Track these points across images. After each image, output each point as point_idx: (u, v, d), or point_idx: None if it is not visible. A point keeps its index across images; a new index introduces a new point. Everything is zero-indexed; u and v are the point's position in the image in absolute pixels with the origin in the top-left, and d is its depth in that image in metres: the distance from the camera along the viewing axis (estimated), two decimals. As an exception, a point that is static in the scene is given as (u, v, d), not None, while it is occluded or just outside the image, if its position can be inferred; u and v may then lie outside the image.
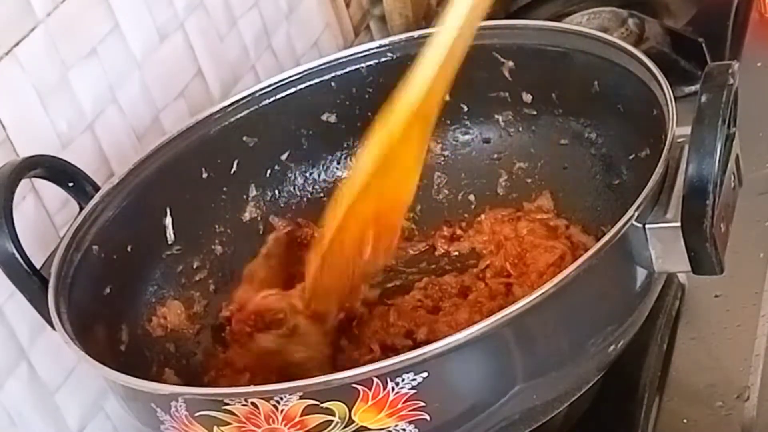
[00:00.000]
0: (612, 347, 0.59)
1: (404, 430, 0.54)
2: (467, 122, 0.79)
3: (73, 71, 0.76)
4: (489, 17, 0.71)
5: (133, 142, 0.82)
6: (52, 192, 0.73)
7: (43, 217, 0.73)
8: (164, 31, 0.85)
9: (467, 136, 0.80)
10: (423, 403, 0.53)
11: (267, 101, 0.78)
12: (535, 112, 0.76)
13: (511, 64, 0.75)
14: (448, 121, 0.79)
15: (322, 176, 0.80)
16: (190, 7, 0.87)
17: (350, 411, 0.53)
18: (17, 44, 0.72)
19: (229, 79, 0.92)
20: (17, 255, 0.65)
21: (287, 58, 0.99)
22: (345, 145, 0.80)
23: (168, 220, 0.74)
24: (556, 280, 0.54)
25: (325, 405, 0.53)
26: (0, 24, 0.71)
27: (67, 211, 0.73)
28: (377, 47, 0.78)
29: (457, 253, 0.77)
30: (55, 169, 0.70)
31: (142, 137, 0.82)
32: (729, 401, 0.66)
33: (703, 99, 0.58)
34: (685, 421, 0.67)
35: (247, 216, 0.78)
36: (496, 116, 0.78)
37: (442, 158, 0.80)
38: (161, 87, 0.84)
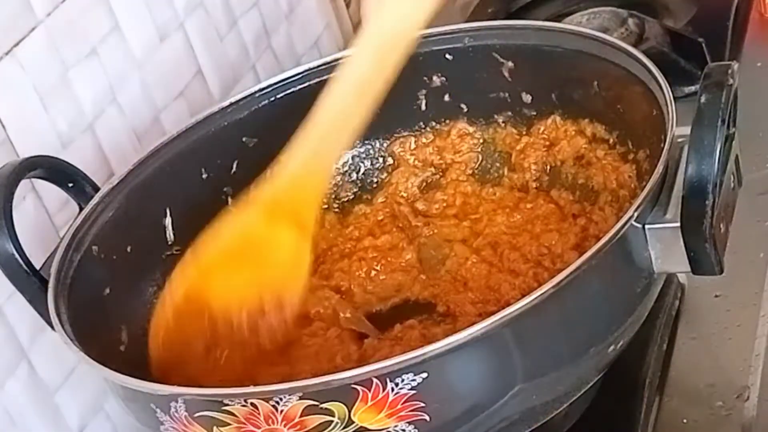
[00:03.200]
0: (612, 347, 0.59)
1: (404, 430, 0.54)
2: (467, 122, 0.79)
3: (73, 71, 0.76)
4: (489, 17, 0.71)
5: (133, 142, 0.82)
6: (52, 192, 0.73)
7: (43, 218, 0.73)
8: (164, 31, 0.85)
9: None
10: (423, 404, 0.53)
11: (267, 101, 0.77)
12: (534, 113, 0.76)
13: (510, 64, 0.75)
14: (448, 122, 0.79)
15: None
16: (190, 7, 0.88)
17: (350, 411, 0.53)
18: (17, 44, 0.72)
19: (229, 79, 0.92)
20: (17, 255, 0.65)
21: (287, 58, 0.99)
22: (345, 146, 0.80)
23: (168, 221, 0.74)
24: (555, 280, 0.54)
25: (324, 405, 0.52)
26: (0, 24, 0.71)
27: (67, 212, 0.73)
28: (377, 47, 0.78)
29: None
30: (54, 170, 0.70)
31: (142, 137, 0.83)
32: (729, 401, 0.66)
33: (703, 99, 0.58)
34: (685, 421, 0.67)
35: (246, 216, 0.78)
36: (496, 116, 0.78)
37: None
38: (161, 87, 0.84)
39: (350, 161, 0.80)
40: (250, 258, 0.64)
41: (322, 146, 0.64)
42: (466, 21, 1.04)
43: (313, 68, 0.78)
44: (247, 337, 0.62)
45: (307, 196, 0.65)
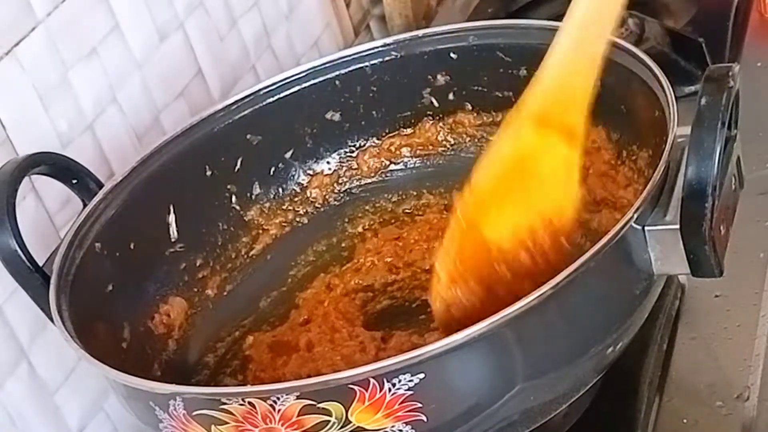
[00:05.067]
0: (611, 349, 0.59)
1: (401, 431, 0.54)
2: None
3: (73, 71, 0.76)
4: (489, 17, 0.71)
5: (133, 142, 0.82)
6: (52, 192, 0.73)
7: (44, 218, 0.73)
8: (164, 31, 0.85)
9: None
10: (420, 404, 0.53)
11: (271, 99, 0.78)
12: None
13: (514, 63, 0.75)
14: (452, 121, 0.79)
15: (326, 173, 0.80)
16: (190, 7, 0.88)
17: (347, 411, 0.53)
18: (17, 44, 0.72)
19: (229, 79, 0.92)
20: (20, 252, 0.65)
21: (287, 58, 0.99)
22: (349, 144, 0.80)
23: (171, 218, 0.74)
24: (554, 281, 0.54)
25: (321, 405, 0.53)
26: (0, 24, 0.71)
27: (67, 212, 0.74)
28: (381, 46, 0.78)
29: None
30: (58, 166, 0.70)
31: (142, 137, 0.83)
32: (729, 401, 0.66)
33: (703, 101, 0.57)
34: (685, 421, 0.67)
35: (250, 214, 0.78)
36: (501, 116, 0.78)
37: (447, 157, 0.81)
38: (161, 87, 0.85)
39: (356, 158, 0.81)
40: (523, 179, 0.61)
41: (583, 42, 0.61)
42: (467, 21, 1.04)
43: (318, 66, 0.78)
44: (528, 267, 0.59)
45: (573, 99, 0.61)
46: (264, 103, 0.77)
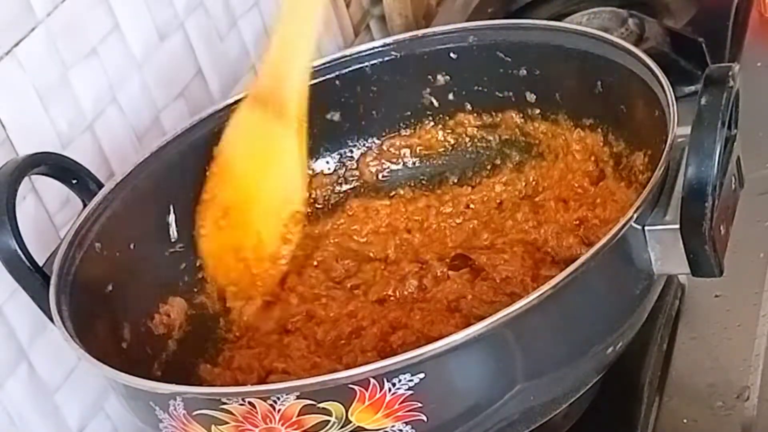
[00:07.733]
0: (611, 349, 0.59)
1: (401, 430, 0.54)
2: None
3: (73, 71, 0.76)
4: (489, 17, 0.71)
5: (133, 142, 0.82)
6: (52, 192, 0.73)
7: (43, 218, 0.73)
8: (164, 31, 0.85)
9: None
10: (420, 404, 0.53)
11: (270, 99, 0.78)
12: (538, 112, 0.76)
13: (515, 63, 0.75)
14: (452, 121, 0.79)
15: (326, 173, 0.80)
16: (190, 7, 0.88)
17: (347, 411, 0.53)
18: (17, 44, 0.72)
19: (229, 79, 0.92)
20: (20, 252, 0.65)
21: (287, 58, 0.99)
22: (349, 144, 0.80)
23: (171, 218, 0.74)
24: (554, 281, 0.54)
25: (321, 405, 0.53)
26: (0, 24, 0.71)
27: (67, 212, 0.74)
28: (381, 46, 0.78)
29: None
30: (58, 167, 0.70)
31: (142, 137, 0.83)
32: (729, 401, 0.66)
33: (703, 101, 0.57)
34: (685, 421, 0.67)
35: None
36: (500, 116, 0.78)
37: (447, 157, 0.81)
38: (161, 87, 0.85)
39: (356, 158, 0.81)
40: (255, 155, 0.69)
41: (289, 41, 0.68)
42: (467, 21, 1.04)
43: (318, 66, 0.77)
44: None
45: (286, 87, 0.68)
46: (263, 103, 0.77)
